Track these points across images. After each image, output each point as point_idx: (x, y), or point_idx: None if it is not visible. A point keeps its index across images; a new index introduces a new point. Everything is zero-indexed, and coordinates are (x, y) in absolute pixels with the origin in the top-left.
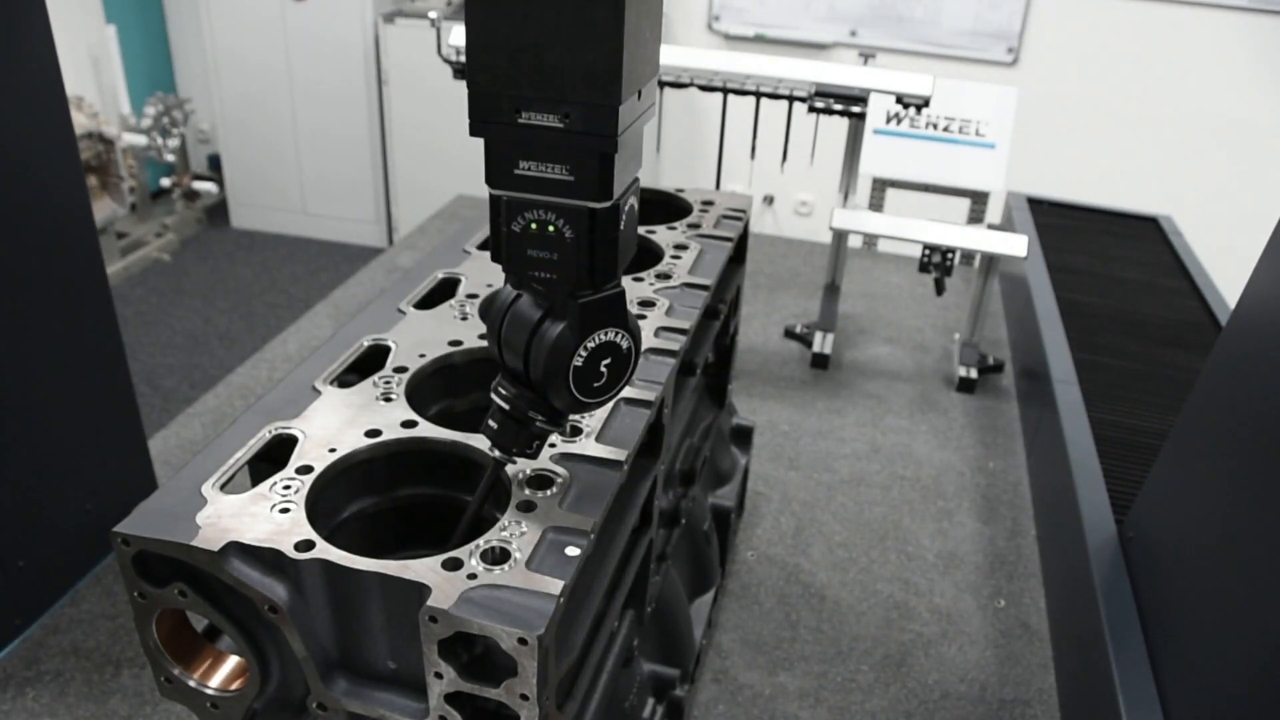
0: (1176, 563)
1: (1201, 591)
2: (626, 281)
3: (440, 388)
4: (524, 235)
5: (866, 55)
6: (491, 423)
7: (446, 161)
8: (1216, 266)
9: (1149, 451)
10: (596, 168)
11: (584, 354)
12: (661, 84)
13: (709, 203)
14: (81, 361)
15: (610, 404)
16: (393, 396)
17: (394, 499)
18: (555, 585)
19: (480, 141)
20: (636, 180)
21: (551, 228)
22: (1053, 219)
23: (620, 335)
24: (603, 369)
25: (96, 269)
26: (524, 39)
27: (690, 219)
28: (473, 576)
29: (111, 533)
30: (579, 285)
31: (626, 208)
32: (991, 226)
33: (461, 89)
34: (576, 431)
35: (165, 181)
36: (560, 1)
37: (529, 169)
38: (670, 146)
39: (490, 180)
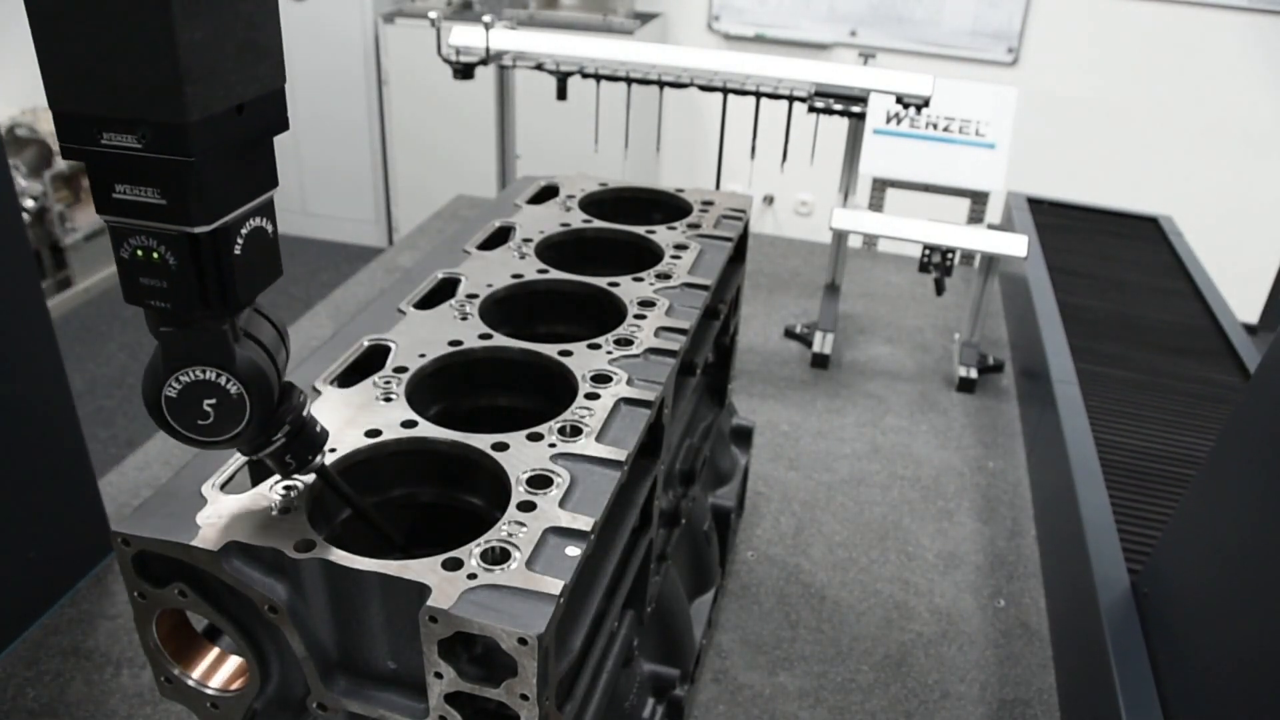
0: (1198, 624)
1: (1224, 656)
2: (627, 281)
3: (440, 388)
4: (133, 263)
5: (866, 55)
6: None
7: (446, 161)
8: (1216, 266)
9: (1153, 457)
10: (183, 191)
11: (176, 386)
12: (661, 84)
13: (709, 203)
14: (23, 406)
15: (610, 405)
16: (393, 396)
17: (394, 499)
18: (555, 585)
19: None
20: (265, 200)
21: (155, 254)
22: (1053, 219)
23: (222, 377)
24: (206, 408)
25: (35, 302)
26: (87, 55)
27: (690, 219)
28: (473, 576)
29: (111, 533)
30: (193, 315)
31: (247, 230)
32: (991, 226)
33: (463, 89)
34: (577, 431)
35: None
36: (109, 13)
37: (125, 193)
38: (670, 146)
39: (96, 205)
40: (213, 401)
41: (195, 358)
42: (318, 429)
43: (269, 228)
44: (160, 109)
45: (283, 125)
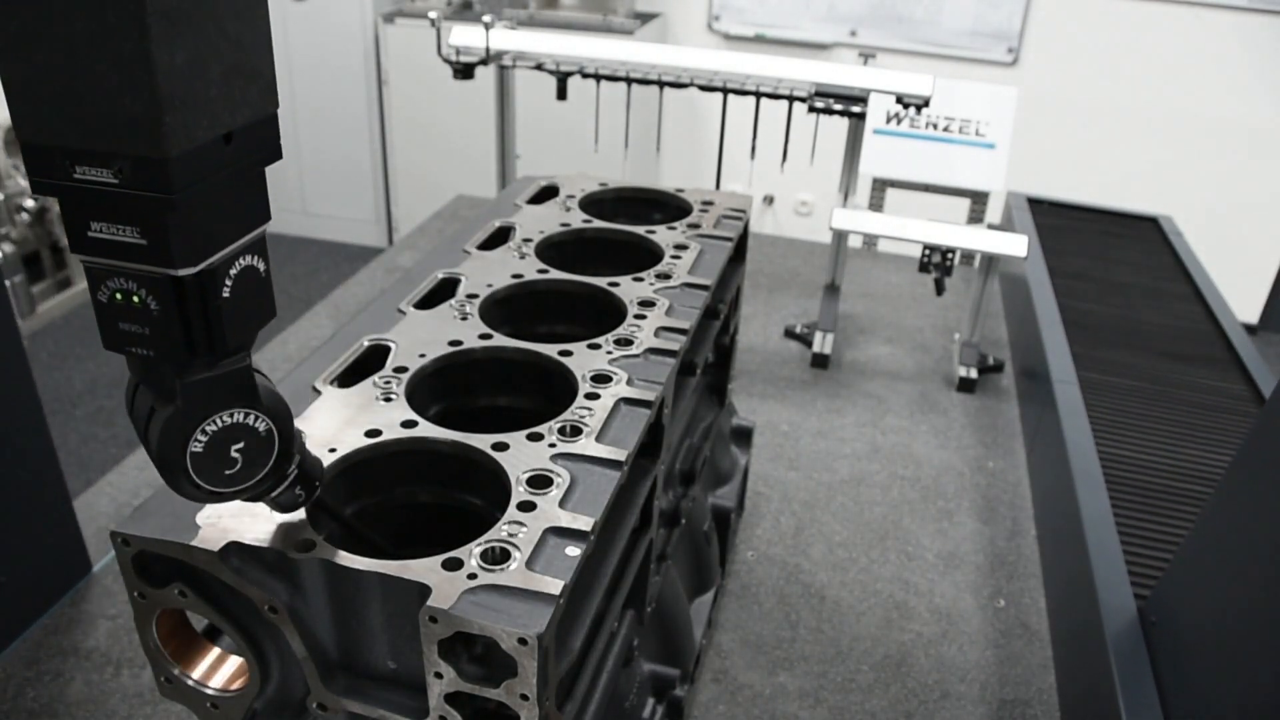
0: (1209, 658)
1: (1238, 693)
2: (627, 281)
3: (440, 388)
4: (112, 307)
5: (866, 55)
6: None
7: (447, 161)
8: (1216, 266)
9: (1156, 471)
10: (165, 230)
11: (203, 439)
12: (661, 84)
13: (709, 203)
14: None
15: (610, 405)
16: (393, 396)
17: (394, 499)
18: (555, 585)
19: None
20: (256, 236)
21: (136, 298)
22: (1053, 219)
23: (250, 416)
24: (234, 455)
25: (4, 319)
26: (57, 82)
27: (690, 219)
28: (473, 576)
29: (111, 533)
30: (178, 363)
31: (236, 270)
32: (991, 226)
33: (463, 89)
34: (577, 431)
35: None
36: (80, 35)
37: (101, 231)
38: (670, 146)
39: (70, 244)
40: (240, 445)
41: (222, 402)
42: (313, 455)
43: (261, 266)
44: (137, 141)
45: (275, 155)
